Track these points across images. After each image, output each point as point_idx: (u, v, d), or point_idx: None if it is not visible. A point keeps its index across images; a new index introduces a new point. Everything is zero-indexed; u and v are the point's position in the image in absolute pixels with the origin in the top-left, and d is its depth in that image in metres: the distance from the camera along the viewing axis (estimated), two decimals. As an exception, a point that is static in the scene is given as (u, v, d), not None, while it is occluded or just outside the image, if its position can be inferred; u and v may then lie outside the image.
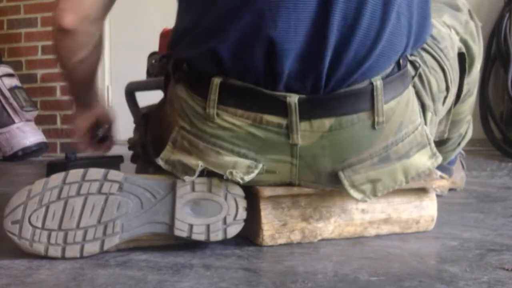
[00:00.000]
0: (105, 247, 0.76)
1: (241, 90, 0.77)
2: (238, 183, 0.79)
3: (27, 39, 2.83)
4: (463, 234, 0.89)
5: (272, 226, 0.82)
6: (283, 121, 0.76)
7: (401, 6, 0.76)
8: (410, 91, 0.82)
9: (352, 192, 0.79)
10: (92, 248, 0.75)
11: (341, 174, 0.78)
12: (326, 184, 0.81)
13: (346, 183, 0.79)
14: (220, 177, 0.79)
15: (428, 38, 0.88)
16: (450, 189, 1.36)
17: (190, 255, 0.77)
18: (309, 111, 0.76)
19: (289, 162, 0.79)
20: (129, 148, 1.16)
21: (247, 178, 0.78)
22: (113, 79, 2.81)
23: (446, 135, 1.01)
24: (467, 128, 1.24)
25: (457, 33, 0.99)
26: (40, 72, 2.81)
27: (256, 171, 0.78)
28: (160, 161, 0.81)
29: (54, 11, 0.84)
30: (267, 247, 0.82)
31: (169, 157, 0.82)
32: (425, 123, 0.85)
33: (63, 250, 0.75)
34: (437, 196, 0.94)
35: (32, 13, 2.81)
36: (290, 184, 0.83)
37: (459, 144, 1.23)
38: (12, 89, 2.51)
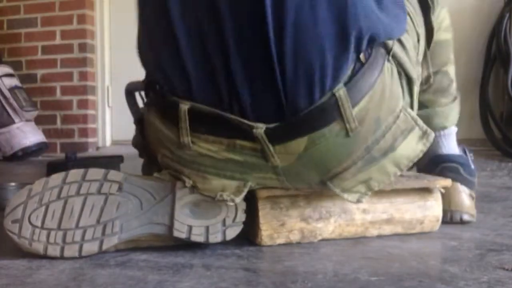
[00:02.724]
0: (104, 247, 0.76)
1: (209, 116, 0.75)
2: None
3: (27, 39, 2.83)
4: (463, 234, 0.89)
5: (270, 226, 0.82)
6: (257, 146, 0.75)
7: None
8: (384, 76, 0.77)
9: (347, 196, 0.79)
10: (90, 248, 0.75)
11: (330, 184, 0.78)
12: (319, 189, 0.82)
13: (337, 190, 0.78)
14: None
15: None
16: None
17: (190, 255, 0.77)
18: (279, 137, 0.74)
19: (275, 179, 0.79)
20: (134, 147, 1.17)
21: (238, 199, 0.78)
22: (113, 79, 2.81)
23: (432, 79, 0.98)
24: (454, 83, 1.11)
25: None
26: (40, 72, 2.81)
27: (246, 190, 0.78)
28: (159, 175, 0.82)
29: None
30: (267, 247, 0.82)
31: (167, 173, 0.82)
32: (411, 99, 0.83)
33: (62, 249, 0.75)
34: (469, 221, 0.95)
35: (32, 13, 2.81)
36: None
37: (455, 98, 1.08)
38: (12, 89, 2.51)
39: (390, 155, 0.77)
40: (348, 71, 0.73)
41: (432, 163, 1.04)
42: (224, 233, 0.78)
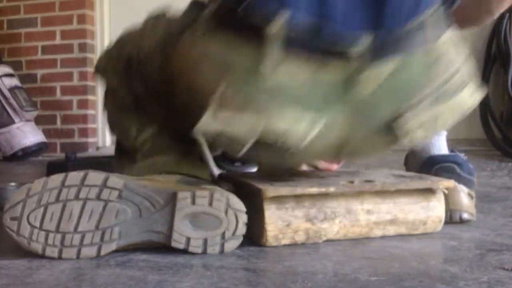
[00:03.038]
0: (102, 253, 0.76)
1: (302, 34, 0.72)
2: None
3: (27, 39, 2.83)
4: (463, 234, 0.89)
5: (276, 226, 0.82)
6: (349, 66, 0.73)
7: None
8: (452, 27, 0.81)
9: (404, 139, 0.78)
10: (89, 252, 0.75)
11: (396, 122, 0.77)
12: (376, 133, 0.80)
13: (399, 133, 0.78)
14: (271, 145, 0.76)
15: None
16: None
17: (190, 255, 0.77)
18: (372, 56, 0.74)
19: (349, 112, 0.77)
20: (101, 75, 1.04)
21: (304, 142, 0.75)
22: (113, 79, 2.81)
23: None
24: None
25: None
26: (40, 72, 2.81)
27: (317, 129, 0.75)
28: (197, 132, 0.75)
29: None
30: (267, 247, 0.82)
31: (210, 125, 0.75)
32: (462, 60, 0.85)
33: (60, 251, 0.75)
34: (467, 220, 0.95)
35: (32, 13, 2.82)
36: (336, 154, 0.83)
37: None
38: (12, 89, 2.51)
39: (452, 100, 0.79)
40: (436, 6, 0.77)
41: (426, 165, 1.05)
42: (222, 245, 0.78)
